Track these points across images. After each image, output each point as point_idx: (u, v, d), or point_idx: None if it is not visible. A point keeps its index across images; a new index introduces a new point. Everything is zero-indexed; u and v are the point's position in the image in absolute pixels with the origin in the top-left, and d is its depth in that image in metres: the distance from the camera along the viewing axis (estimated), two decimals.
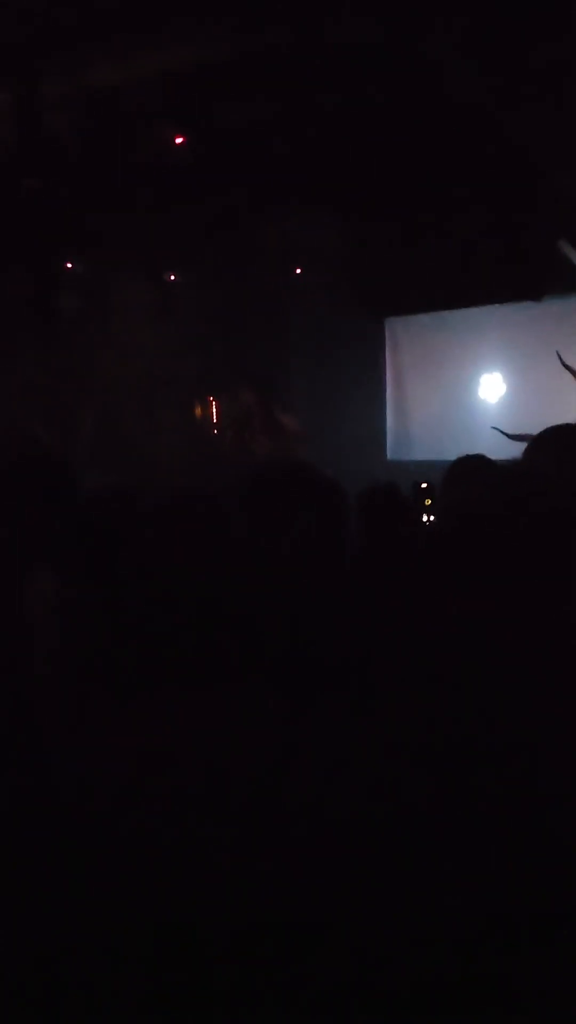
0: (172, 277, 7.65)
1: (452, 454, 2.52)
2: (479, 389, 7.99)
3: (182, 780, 1.33)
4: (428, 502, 3.82)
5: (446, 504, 2.24)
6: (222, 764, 1.34)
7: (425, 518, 3.47)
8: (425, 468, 5.43)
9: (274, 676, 1.42)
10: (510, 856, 1.26)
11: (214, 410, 7.93)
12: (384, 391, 8.54)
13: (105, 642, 1.53)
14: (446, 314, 8.06)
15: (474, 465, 2.42)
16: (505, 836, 1.27)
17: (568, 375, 5.02)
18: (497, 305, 7.71)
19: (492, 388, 7.93)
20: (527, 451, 2.18)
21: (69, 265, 7.11)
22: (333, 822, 1.27)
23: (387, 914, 1.22)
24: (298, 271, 7.73)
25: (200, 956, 1.21)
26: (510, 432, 6.61)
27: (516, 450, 2.51)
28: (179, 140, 5.82)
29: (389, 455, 8.30)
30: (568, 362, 5.12)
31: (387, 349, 8.57)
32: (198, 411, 7.75)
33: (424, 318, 8.27)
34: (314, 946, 1.21)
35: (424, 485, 3.90)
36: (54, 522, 1.95)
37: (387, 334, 8.58)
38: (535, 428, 2.09)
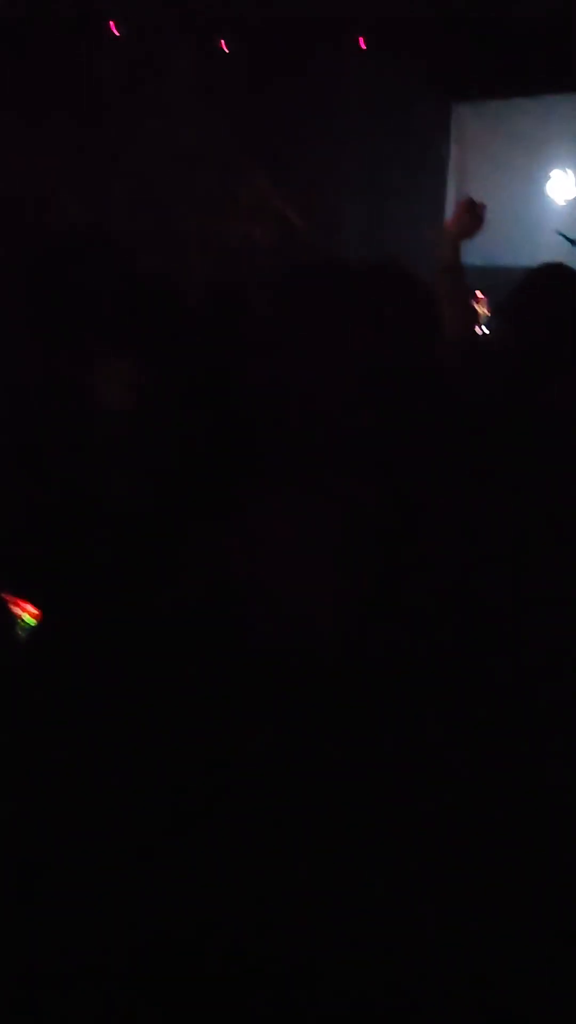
0: (223, 46, 7.03)
1: (515, 259, 2.30)
2: (548, 187, 7.46)
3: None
4: (484, 313, 3.58)
5: (518, 318, 2.00)
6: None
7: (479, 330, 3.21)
8: (483, 273, 5.13)
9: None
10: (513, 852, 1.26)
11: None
12: (447, 185, 8.00)
13: (187, 434, 1.48)
14: (522, 101, 7.39)
15: (556, 275, 2.16)
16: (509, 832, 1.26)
17: None
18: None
19: (562, 187, 7.39)
20: None
21: (112, 25, 6.55)
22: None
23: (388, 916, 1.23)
24: (361, 44, 7.06)
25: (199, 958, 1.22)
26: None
27: None
28: None
29: None
30: None
31: (452, 139, 7.95)
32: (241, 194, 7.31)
33: (496, 105, 7.59)
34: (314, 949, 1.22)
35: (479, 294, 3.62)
36: (116, 307, 1.86)
37: (453, 122, 7.93)
38: None
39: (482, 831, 1.26)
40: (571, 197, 7.37)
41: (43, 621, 1.50)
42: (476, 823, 1.26)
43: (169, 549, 1.36)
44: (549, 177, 7.46)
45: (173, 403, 1.58)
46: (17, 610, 1.51)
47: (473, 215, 2.51)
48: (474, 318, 2.33)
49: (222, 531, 1.34)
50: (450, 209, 8.03)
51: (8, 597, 1.51)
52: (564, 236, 6.52)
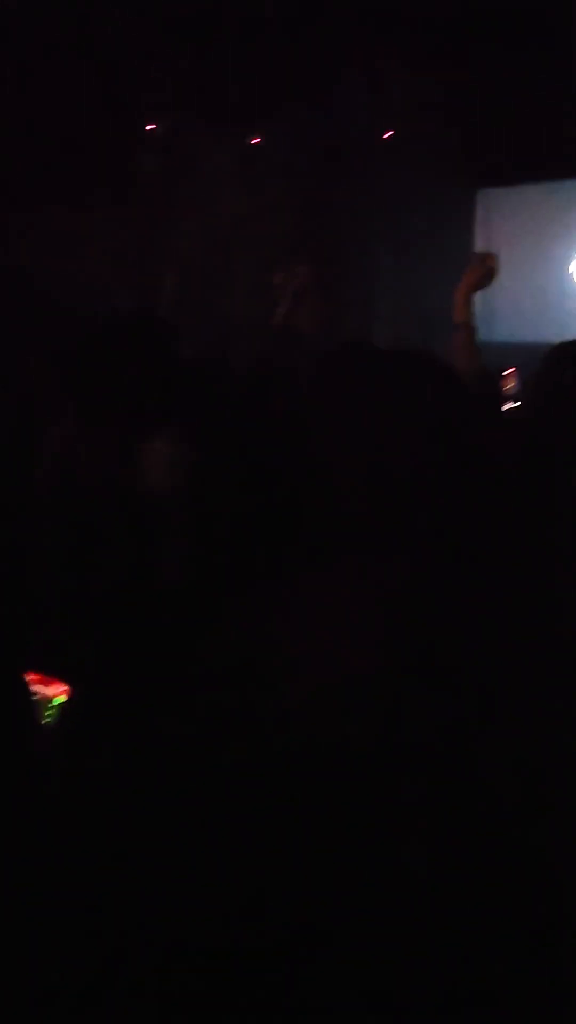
0: (256, 140, 7.35)
1: (541, 335, 2.38)
2: (571, 267, 7.62)
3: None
4: (509, 387, 3.64)
5: (541, 393, 2.10)
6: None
7: (506, 406, 3.28)
8: (509, 350, 5.21)
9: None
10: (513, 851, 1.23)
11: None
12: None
13: (233, 511, 1.52)
14: (545, 186, 7.62)
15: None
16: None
17: None
18: None
19: None
20: None
21: (152, 125, 6.88)
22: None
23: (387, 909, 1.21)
24: (389, 134, 7.35)
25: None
26: None
27: None
28: None
29: None
30: None
31: (478, 222, 8.17)
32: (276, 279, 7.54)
33: (522, 189, 7.82)
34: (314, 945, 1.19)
35: (507, 371, 3.69)
36: (161, 388, 1.89)
37: (479, 206, 8.16)
38: None
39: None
40: None
41: (72, 698, 1.53)
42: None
43: (208, 625, 1.36)
44: (573, 258, 7.63)
45: (215, 482, 1.60)
46: (44, 691, 1.50)
47: (485, 267, 2.58)
48: (487, 376, 2.39)
49: (259, 609, 1.34)
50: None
51: (37, 677, 1.52)
52: None
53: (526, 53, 5.59)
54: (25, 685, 1.36)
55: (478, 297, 8.63)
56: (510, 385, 3.75)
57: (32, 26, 5.26)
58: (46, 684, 1.54)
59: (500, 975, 1.19)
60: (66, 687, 1.52)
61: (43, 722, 1.51)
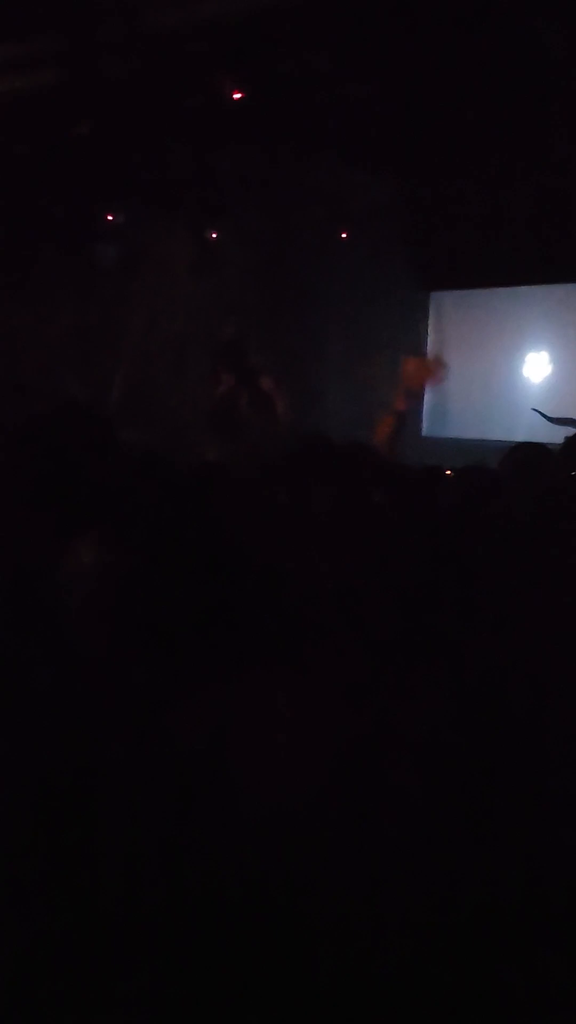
0: (213, 234, 7.51)
1: (491, 433, 2.42)
2: (524, 368, 7.82)
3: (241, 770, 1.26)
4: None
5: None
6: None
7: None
8: (462, 446, 5.28)
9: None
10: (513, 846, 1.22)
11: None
12: None
13: (165, 612, 1.47)
14: (497, 291, 7.87)
15: (533, 454, 2.32)
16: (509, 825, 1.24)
17: None
18: (550, 285, 7.53)
19: (537, 368, 7.76)
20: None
21: (110, 216, 6.99)
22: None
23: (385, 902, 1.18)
24: (344, 235, 7.56)
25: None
26: (551, 415, 6.44)
27: (556, 433, 2.35)
28: (236, 95, 5.62)
29: (424, 431, 8.16)
30: None
31: (431, 323, 8.38)
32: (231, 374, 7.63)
33: (473, 293, 8.07)
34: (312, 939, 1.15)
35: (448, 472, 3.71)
36: (97, 480, 1.87)
37: (432, 307, 8.39)
38: None
39: None
40: (545, 377, 7.72)
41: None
42: None
43: (150, 723, 1.33)
44: (525, 358, 7.84)
45: (157, 575, 1.58)
46: None
47: (432, 369, 2.77)
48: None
49: (205, 706, 1.32)
50: (426, 390, 8.37)
51: None
52: (539, 412, 6.82)
53: (481, 162, 5.81)
54: None
55: (430, 394, 8.76)
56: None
57: None
58: None
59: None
60: None
61: None
